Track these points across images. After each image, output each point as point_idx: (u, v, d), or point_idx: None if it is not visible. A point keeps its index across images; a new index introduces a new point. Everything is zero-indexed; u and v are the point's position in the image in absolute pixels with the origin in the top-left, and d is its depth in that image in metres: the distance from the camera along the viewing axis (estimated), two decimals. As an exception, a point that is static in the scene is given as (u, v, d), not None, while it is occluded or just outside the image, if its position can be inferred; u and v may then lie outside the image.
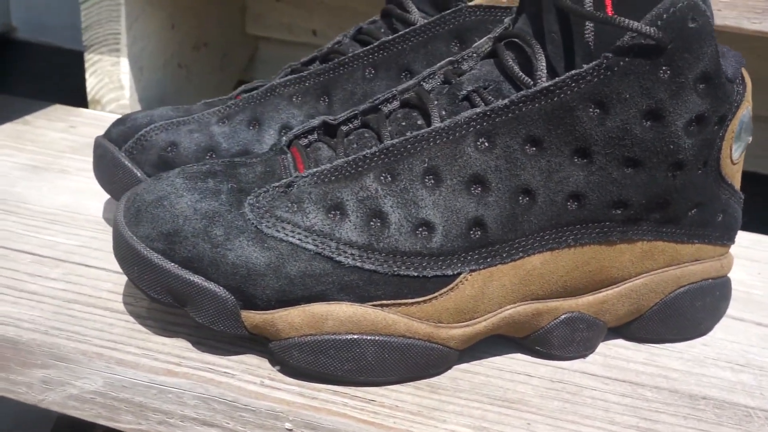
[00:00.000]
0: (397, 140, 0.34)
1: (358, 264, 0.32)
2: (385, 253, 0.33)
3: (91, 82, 0.67)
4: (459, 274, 0.33)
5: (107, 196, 0.49)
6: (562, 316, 0.36)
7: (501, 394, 0.34)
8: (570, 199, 0.34)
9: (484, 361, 0.36)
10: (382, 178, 0.33)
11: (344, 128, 0.38)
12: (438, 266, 0.33)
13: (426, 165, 0.33)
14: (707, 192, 0.36)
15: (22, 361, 0.35)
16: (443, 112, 0.35)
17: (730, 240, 0.39)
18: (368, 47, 0.43)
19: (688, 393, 0.35)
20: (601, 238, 0.35)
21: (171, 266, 0.33)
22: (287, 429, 0.32)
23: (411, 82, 0.38)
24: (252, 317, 0.33)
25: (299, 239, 0.32)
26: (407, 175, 0.33)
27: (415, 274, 0.33)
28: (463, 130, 0.33)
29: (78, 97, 0.67)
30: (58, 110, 0.64)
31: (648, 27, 0.31)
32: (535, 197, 0.33)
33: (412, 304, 0.33)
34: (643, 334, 0.39)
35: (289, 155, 0.36)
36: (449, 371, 0.35)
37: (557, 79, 0.32)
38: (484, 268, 0.34)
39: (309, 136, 0.38)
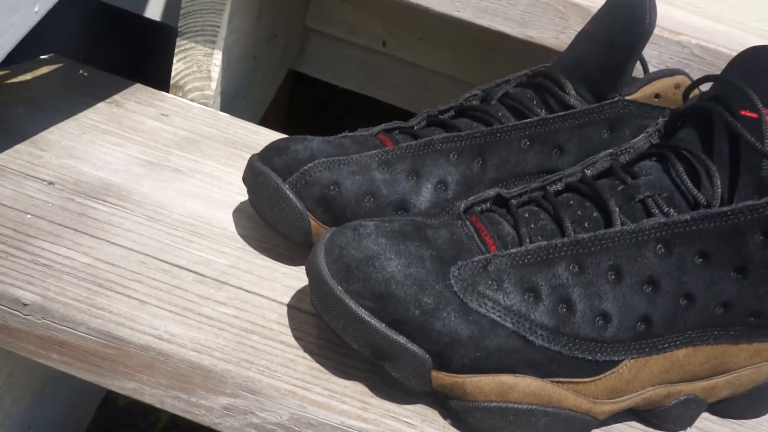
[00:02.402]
0: (587, 235, 0.38)
1: (546, 345, 0.37)
2: (567, 337, 0.37)
3: (178, 68, 0.66)
4: (622, 360, 0.38)
5: (232, 208, 0.51)
6: (682, 397, 0.42)
7: (633, 463, 0.40)
8: (720, 306, 0.39)
9: (611, 428, 0.41)
10: (571, 267, 0.37)
11: (514, 201, 0.41)
12: (608, 353, 0.38)
13: (611, 262, 0.38)
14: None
15: (210, 387, 0.37)
16: (617, 209, 0.39)
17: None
18: (527, 121, 0.46)
19: (773, 473, 0.42)
20: (732, 339, 0.40)
21: (380, 325, 0.36)
22: (461, 479, 0.37)
23: (575, 168, 0.42)
24: (442, 378, 0.37)
25: (499, 316, 0.36)
26: (594, 269, 0.38)
27: (590, 357, 0.37)
28: (646, 236, 0.38)
29: (142, 70, 0.67)
30: (143, 92, 0.64)
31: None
32: (694, 302, 0.38)
33: (581, 382, 0.38)
34: (728, 412, 0.45)
35: (468, 223, 0.40)
36: (587, 436, 0.40)
37: (736, 206, 0.37)
38: (641, 357, 0.39)
39: (482, 204, 0.41)
